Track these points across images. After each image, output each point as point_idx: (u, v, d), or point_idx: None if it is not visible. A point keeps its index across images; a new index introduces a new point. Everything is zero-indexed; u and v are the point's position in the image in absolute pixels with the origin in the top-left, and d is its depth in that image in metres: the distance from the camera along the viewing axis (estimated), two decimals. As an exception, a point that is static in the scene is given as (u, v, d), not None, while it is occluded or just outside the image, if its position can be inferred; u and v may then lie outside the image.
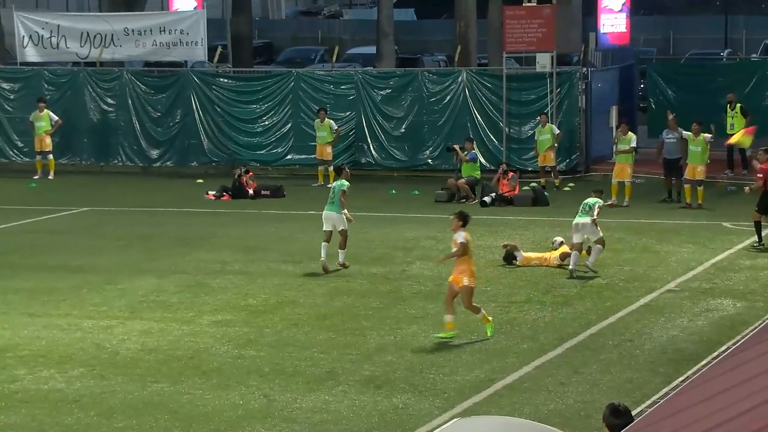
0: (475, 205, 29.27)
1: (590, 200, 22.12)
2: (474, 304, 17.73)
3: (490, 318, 17.84)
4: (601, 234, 21.66)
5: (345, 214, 21.99)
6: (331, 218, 22.05)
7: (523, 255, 22.48)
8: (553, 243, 23.00)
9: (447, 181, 30.42)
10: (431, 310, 19.34)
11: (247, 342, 17.71)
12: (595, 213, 21.44)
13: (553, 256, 22.42)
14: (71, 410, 15.07)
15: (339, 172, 22.81)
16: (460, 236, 17.52)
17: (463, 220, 17.71)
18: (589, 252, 21.89)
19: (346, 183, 22.28)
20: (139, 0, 41.26)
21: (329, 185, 22.51)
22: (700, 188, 27.90)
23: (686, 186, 28.24)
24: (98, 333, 18.29)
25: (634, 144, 29.24)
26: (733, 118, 32.09)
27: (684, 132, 28.68)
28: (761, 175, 23.49)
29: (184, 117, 35.39)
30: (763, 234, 23.54)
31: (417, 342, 17.59)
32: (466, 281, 17.54)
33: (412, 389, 15.62)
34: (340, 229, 22.05)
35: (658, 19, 55.09)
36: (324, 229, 22.11)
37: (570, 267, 21.51)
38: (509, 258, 22.50)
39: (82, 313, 19.42)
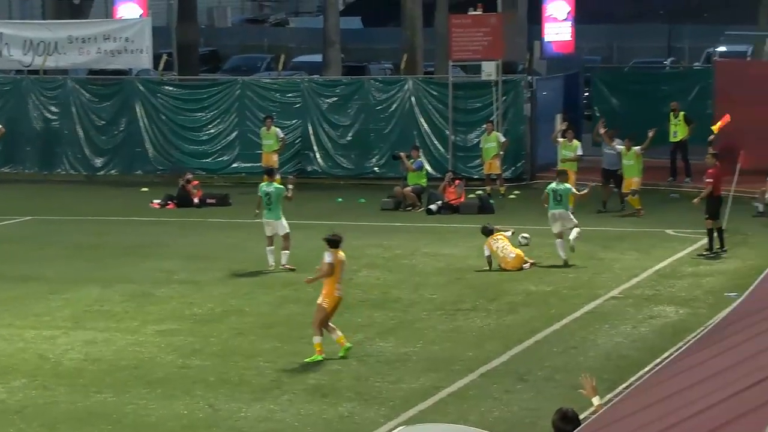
0: (421, 213, 29.33)
1: (559, 187, 23.35)
2: (323, 327, 17.11)
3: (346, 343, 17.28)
4: (575, 221, 23.30)
5: (289, 191, 22.62)
6: (272, 225, 22.48)
7: (504, 238, 22.66)
8: (519, 243, 23.27)
9: (393, 189, 30.44)
10: (377, 318, 19.33)
11: (193, 351, 17.61)
12: (580, 193, 23.71)
13: (517, 253, 22.55)
14: (13, 421, 14.89)
15: (272, 174, 23.44)
16: (328, 256, 17.15)
17: (329, 242, 17.24)
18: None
19: (282, 187, 22.88)
20: (83, 8, 40.97)
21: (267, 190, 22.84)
22: (634, 197, 28.01)
23: (627, 198, 28.37)
24: (41, 343, 18.09)
25: (579, 152, 29.46)
26: (676, 126, 32.35)
27: (617, 146, 28.82)
28: (711, 180, 23.55)
29: (129, 125, 35.16)
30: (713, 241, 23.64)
31: (363, 350, 17.57)
32: (320, 299, 17.18)
33: (358, 397, 15.60)
34: (284, 233, 22.42)
35: (603, 28, 55.47)
36: (267, 234, 22.53)
37: (562, 256, 22.82)
38: (488, 231, 22.64)
39: (25, 323, 19.20)
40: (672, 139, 32.25)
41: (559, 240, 23.02)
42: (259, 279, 22.14)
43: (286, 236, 22.47)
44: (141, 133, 35.07)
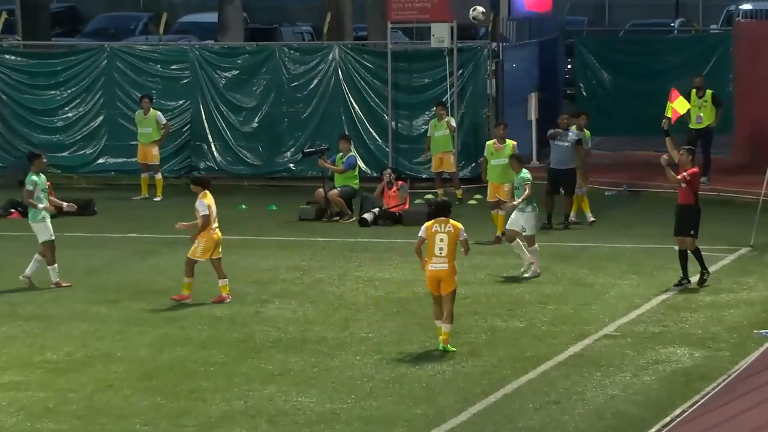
0: (352, 223, 29.35)
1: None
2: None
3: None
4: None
5: (50, 208, 23.71)
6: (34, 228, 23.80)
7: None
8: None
9: (315, 193, 30.43)
10: (294, 364, 19.32)
11: (45, 411, 17.51)
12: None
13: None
14: None
15: (33, 159, 24.07)
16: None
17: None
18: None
19: (35, 177, 23.59)
20: None
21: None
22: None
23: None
24: None
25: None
26: (700, 108, 32.19)
27: (572, 134, 27.99)
28: (693, 183, 23.06)
29: (-42, 107, 35.04)
30: (689, 268, 23.56)
31: (275, 407, 17.57)
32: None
33: (269, 471, 15.60)
34: (43, 240, 23.46)
35: (590, -21, 56.04)
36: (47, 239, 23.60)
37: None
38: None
39: None
40: (694, 126, 32.10)
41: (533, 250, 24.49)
42: (134, 313, 22.06)
43: (47, 244, 23.44)
44: (-26, 118, 34.94)
